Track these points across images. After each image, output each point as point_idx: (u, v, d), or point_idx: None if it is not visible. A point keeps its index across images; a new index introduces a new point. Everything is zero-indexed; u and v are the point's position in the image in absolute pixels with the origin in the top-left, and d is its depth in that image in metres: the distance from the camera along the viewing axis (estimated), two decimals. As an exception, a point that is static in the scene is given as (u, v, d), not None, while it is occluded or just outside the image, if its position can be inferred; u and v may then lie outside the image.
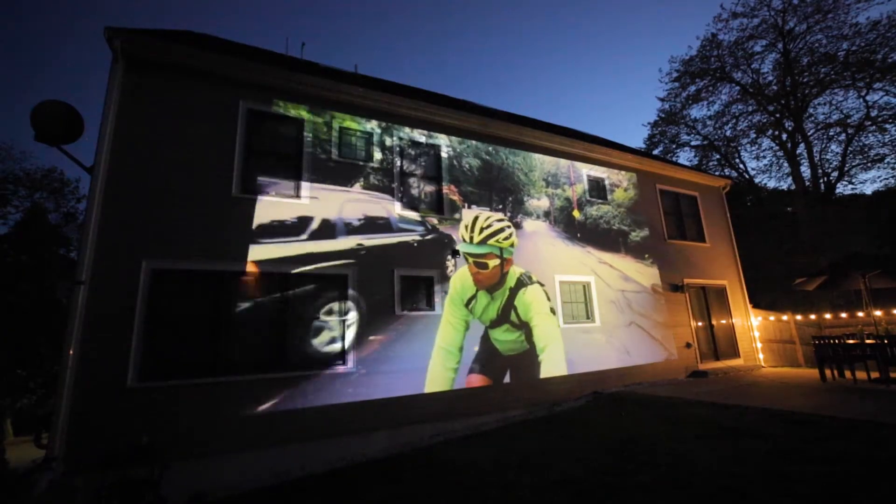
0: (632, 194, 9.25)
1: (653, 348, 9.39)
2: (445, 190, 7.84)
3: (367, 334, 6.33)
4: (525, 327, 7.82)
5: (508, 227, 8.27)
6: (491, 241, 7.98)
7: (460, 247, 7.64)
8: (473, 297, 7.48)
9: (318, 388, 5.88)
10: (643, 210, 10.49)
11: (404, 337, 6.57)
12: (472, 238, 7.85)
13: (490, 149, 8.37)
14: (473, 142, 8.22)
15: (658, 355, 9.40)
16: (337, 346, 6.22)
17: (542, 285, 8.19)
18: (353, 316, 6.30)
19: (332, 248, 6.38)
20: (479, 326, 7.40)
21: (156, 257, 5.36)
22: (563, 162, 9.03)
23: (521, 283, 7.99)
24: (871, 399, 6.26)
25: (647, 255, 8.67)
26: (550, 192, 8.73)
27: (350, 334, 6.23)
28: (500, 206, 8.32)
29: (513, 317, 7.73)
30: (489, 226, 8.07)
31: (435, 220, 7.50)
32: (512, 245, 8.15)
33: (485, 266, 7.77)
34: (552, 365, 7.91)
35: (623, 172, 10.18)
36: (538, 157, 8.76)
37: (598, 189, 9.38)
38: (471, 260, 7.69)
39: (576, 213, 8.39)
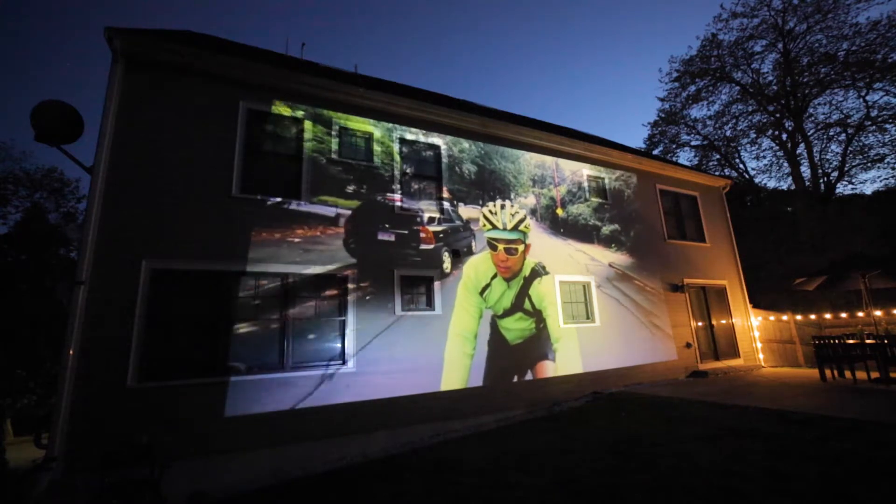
0: (597, 199, 9.65)
1: (653, 348, 9.40)
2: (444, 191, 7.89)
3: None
4: (538, 315, 8.02)
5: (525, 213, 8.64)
6: (521, 227, 8.37)
7: (493, 233, 8.01)
8: (488, 285, 7.62)
9: (318, 387, 5.88)
10: (643, 209, 10.55)
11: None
12: (505, 224, 8.21)
13: (483, 153, 8.46)
14: (471, 147, 8.30)
15: (658, 355, 9.41)
16: (337, 346, 6.23)
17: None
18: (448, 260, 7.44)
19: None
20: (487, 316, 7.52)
21: (156, 257, 5.36)
22: (549, 164, 9.24)
23: (537, 272, 8.26)
24: (871, 399, 6.26)
25: (612, 245, 9.33)
26: (537, 192, 8.90)
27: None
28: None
29: (527, 305, 7.95)
30: (516, 212, 8.44)
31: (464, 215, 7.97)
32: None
33: (515, 251, 8.12)
34: (567, 355, 8.11)
35: (598, 175, 10.20)
36: (525, 162, 8.94)
37: (579, 189, 9.59)
38: (501, 247, 8.01)
39: (559, 211, 8.84)
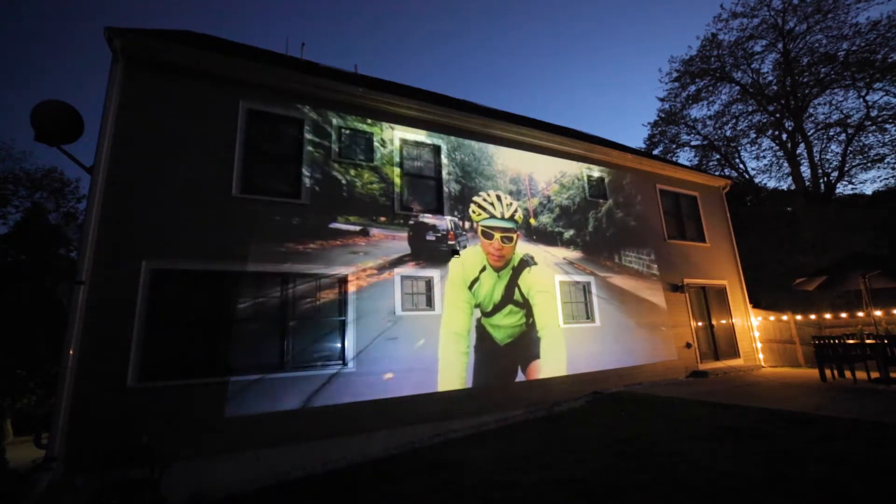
0: (558, 211, 9.61)
1: (653, 348, 9.40)
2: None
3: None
4: (527, 307, 8.05)
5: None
6: (515, 216, 8.57)
7: (491, 222, 8.22)
8: (476, 279, 7.63)
9: (318, 387, 5.89)
10: (644, 209, 10.56)
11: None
12: (503, 214, 8.41)
13: (464, 172, 8.38)
14: (455, 168, 8.24)
15: (658, 355, 9.41)
16: (337, 346, 6.23)
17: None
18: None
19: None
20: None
21: (156, 257, 5.36)
22: (523, 177, 9.12)
23: (525, 262, 8.35)
24: (871, 399, 6.26)
25: (571, 246, 9.31)
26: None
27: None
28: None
29: (517, 296, 8.00)
30: (511, 203, 8.61)
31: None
32: None
33: (511, 239, 8.32)
34: (552, 343, 8.09)
35: (594, 175, 10.21)
36: (502, 179, 8.84)
37: (548, 202, 9.51)
38: (498, 235, 8.17)
39: (532, 221, 8.95)
